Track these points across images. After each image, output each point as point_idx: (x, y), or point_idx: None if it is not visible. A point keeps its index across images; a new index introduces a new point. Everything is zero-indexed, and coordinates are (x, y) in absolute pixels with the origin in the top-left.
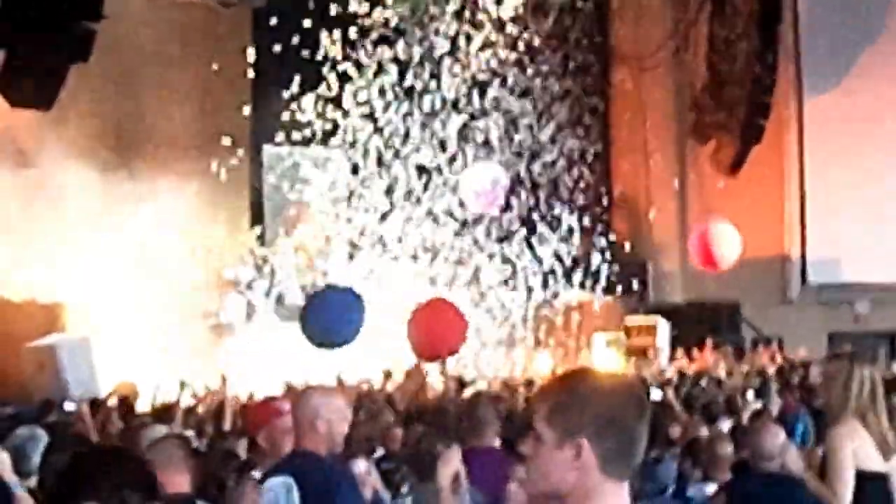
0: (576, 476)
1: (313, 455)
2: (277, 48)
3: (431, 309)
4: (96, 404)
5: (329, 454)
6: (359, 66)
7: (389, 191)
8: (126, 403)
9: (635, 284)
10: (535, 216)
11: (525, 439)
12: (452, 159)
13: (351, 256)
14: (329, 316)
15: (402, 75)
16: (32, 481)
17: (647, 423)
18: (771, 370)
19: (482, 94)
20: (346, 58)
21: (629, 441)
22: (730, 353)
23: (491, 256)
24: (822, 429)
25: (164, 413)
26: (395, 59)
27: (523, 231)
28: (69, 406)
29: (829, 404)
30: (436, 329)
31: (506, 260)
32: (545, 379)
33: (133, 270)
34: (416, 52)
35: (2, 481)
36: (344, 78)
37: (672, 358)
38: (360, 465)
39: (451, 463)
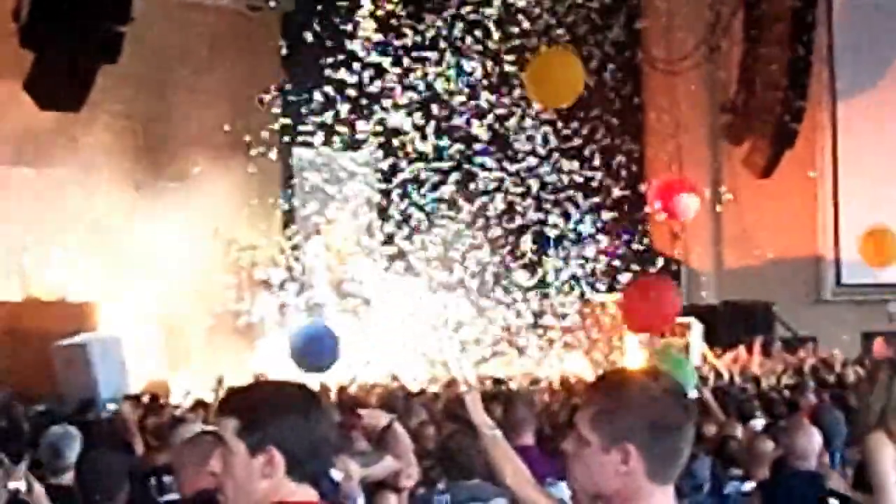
0: (622, 481)
1: None
2: (306, 51)
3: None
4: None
5: None
6: (388, 67)
7: (419, 192)
8: (158, 401)
9: None
10: (569, 218)
11: (567, 438)
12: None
13: (391, 258)
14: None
15: (432, 78)
16: (66, 478)
17: (693, 425)
18: (805, 369)
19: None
20: (374, 60)
21: (676, 445)
22: (759, 352)
23: (522, 257)
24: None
25: (199, 410)
26: (426, 61)
27: (556, 232)
28: (111, 406)
29: (862, 410)
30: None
31: (538, 261)
32: (586, 381)
33: (163, 270)
34: (448, 56)
35: None
36: (374, 79)
37: (703, 359)
38: None
39: (478, 406)
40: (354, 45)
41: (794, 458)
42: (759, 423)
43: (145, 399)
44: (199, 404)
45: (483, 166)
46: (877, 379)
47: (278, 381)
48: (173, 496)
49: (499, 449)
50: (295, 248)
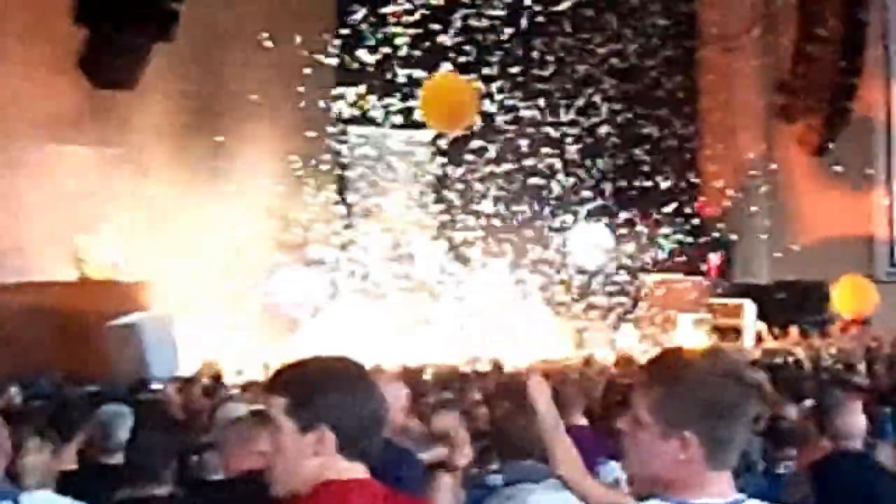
0: (681, 468)
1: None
2: (362, 27)
3: None
4: (182, 383)
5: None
6: (443, 46)
7: (473, 171)
8: (212, 382)
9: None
10: (623, 197)
11: (622, 417)
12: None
13: (446, 236)
14: None
15: (487, 52)
16: (117, 457)
17: (751, 409)
18: (858, 350)
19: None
20: (430, 37)
21: (735, 431)
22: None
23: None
24: None
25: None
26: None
27: (611, 211)
28: (157, 386)
29: None
30: None
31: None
32: (642, 363)
33: (215, 249)
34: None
35: None
36: (431, 57)
37: (759, 338)
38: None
39: (545, 391)
40: (410, 23)
41: (842, 439)
42: (808, 403)
43: (204, 381)
44: (251, 384)
45: (538, 141)
46: None
47: (327, 357)
48: (219, 476)
49: (556, 441)
50: (349, 227)
